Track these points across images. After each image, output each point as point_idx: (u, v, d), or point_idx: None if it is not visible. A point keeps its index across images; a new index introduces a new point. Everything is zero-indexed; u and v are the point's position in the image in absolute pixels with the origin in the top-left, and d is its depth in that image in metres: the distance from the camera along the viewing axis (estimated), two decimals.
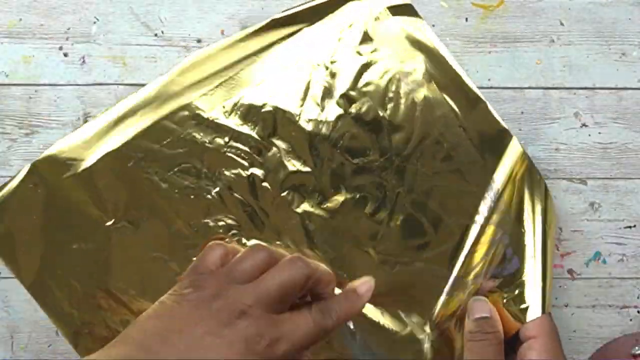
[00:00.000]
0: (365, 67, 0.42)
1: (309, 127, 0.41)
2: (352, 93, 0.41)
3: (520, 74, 0.45)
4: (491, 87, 0.45)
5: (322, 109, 0.41)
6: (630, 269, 0.45)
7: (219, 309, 0.32)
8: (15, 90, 0.44)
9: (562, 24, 0.45)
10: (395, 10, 0.42)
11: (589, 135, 0.45)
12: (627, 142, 0.45)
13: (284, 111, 0.41)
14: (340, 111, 0.41)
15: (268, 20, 0.41)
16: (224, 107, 0.41)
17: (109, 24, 0.44)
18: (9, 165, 0.44)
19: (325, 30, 0.42)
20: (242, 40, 0.41)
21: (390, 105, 0.41)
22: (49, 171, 0.40)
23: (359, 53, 0.42)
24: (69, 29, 0.44)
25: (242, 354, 0.32)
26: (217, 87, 0.41)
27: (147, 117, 0.41)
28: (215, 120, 0.41)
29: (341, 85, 0.41)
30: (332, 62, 0.41)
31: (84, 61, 0.44)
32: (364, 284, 0.38)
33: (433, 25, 0.45)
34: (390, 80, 0.41)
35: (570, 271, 0.45)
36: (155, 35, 0.45)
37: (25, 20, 0.44)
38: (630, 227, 0.45)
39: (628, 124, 0.45)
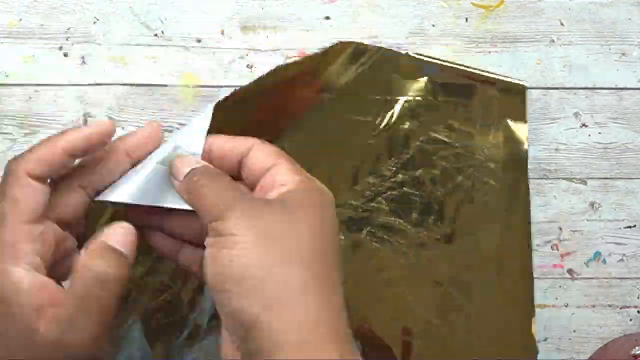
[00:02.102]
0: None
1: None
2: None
3: (520, 74, 0.45)
4: None
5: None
6: (630, 269, 0.45)
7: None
8: (15, 90, 0.44)
9: (562, 24, 0.45)
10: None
11: (589, 135, 0.45)
12: (627, 142, 0.45)
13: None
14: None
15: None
16: None
17: (109, 24, 0.44)
18: None
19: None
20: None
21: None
22: None
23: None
24: (69, 29, 0.44)
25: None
26: None
27: None
28: None
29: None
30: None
31: (84, 61, 0.44)
32: None
33: (433, 25, 0.45)
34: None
35: (570, 271, 0.45)
36: (155, 35, 0.45)
37: (25, 21, 0.44)
38: (630, 227, 0.45)
39: (628, 124, 0.45)
